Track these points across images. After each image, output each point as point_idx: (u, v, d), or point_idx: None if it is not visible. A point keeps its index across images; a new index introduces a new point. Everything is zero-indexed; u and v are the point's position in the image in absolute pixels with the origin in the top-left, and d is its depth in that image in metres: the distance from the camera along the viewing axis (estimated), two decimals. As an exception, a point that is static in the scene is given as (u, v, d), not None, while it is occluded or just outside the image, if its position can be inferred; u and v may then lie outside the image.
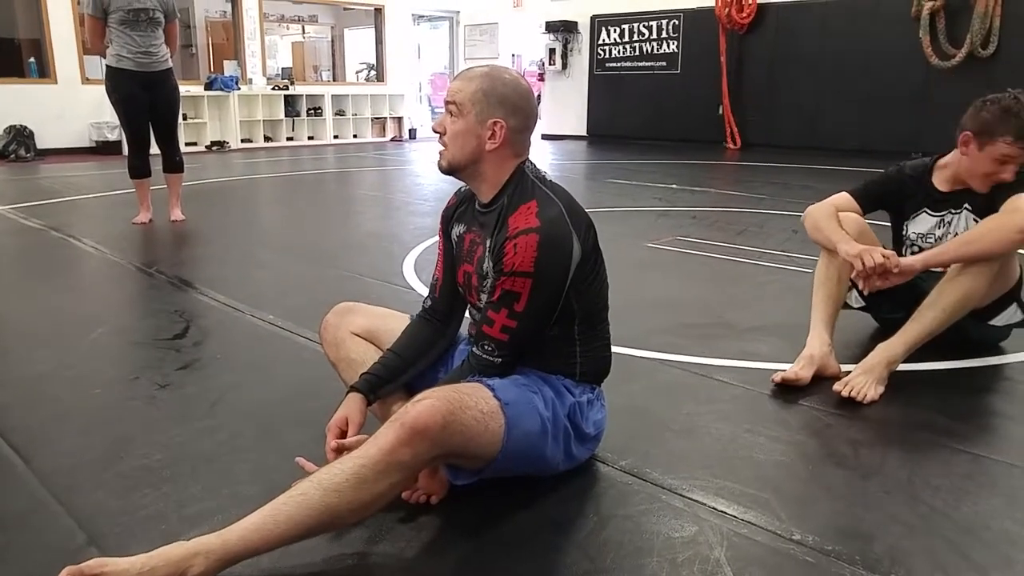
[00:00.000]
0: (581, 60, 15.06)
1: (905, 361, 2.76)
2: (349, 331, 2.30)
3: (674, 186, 8.41)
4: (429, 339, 2.23)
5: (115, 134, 11.40)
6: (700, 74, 13.19)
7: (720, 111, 12.93)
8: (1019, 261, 2.92)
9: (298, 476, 1.73)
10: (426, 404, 1.69)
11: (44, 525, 1.91)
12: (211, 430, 2.44)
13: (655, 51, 13.90)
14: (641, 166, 10.53)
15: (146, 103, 5.83)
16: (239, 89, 13.25)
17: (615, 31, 14.37)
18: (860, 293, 3.12)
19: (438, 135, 1.99)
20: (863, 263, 2.69)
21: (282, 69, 15.67)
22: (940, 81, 10.50)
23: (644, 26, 13.93)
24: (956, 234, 2.96)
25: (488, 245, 1.98)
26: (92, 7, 5.64)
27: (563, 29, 14.99)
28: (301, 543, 1.64)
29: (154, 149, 6.00)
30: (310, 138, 14.46)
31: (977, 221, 2.90)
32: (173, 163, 6.14)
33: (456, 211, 2.19)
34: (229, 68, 13.58)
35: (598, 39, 14.64)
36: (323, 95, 14.66)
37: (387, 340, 2.27)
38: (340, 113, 14.92)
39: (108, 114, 10.26)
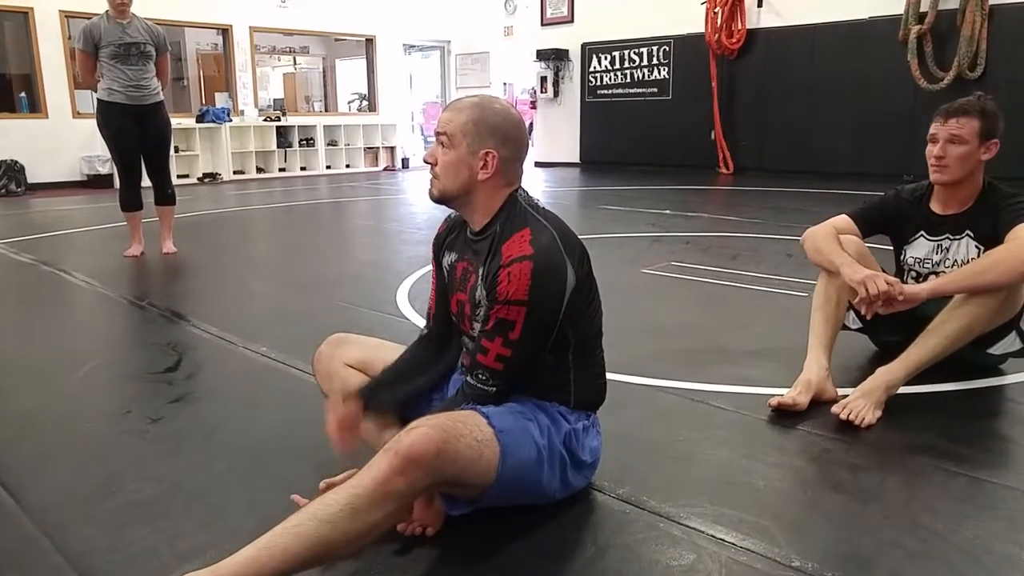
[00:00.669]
0: (573, 87, 15.16)
1: (903, 384, 2.75)
2: (342, 362, 2.29)
3: (667, 212, 8.43)
4: (428, 359, 2.24)
5: (106, 167, 11.41)
6: (691, 100, 13.29)
7: (712, 136, 13.00)
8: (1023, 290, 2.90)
9: (292, 510, 1.71)
10: (420, 432, 1.68)
11: (34, 563, 1.88)
12: (204, 464, 2.41)
13: (646, 77, 13.99)
14: (634, 192, 10.56)
15: (137, 136, 5.84)
16: (231, 121, 13.29)
17: (606, 58, 14.47)
18: (858, 315, 3.12)
19: (430, 165, 1.99)
20: (867, 290, 2.68)
21: (274, 100, 15.80)
22: (929, 104, 10.47)
23: (635, 53, 14.04)
24: (956, 261, 2.97)
25: (481, 273, 1.97)
26: (83, 42, 5.67)
27: (554, 57, 15.09)
28: (296, 576, 1.62)
29: (146, 182, 6.00)
30: (303, 169, 14.48)
31: (980, 248, 2.90)
32: (165, 196, 6.13)
33: (447, 238, 2.19)
34: (221, 100, 13.65)
35: (589, 66, 14.74)
36: (315, 126, 14.70)
37: (380, 369, 2.26)
38: (332, 143, 14.96)
39: (99, 147, 10.27)
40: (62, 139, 11.74)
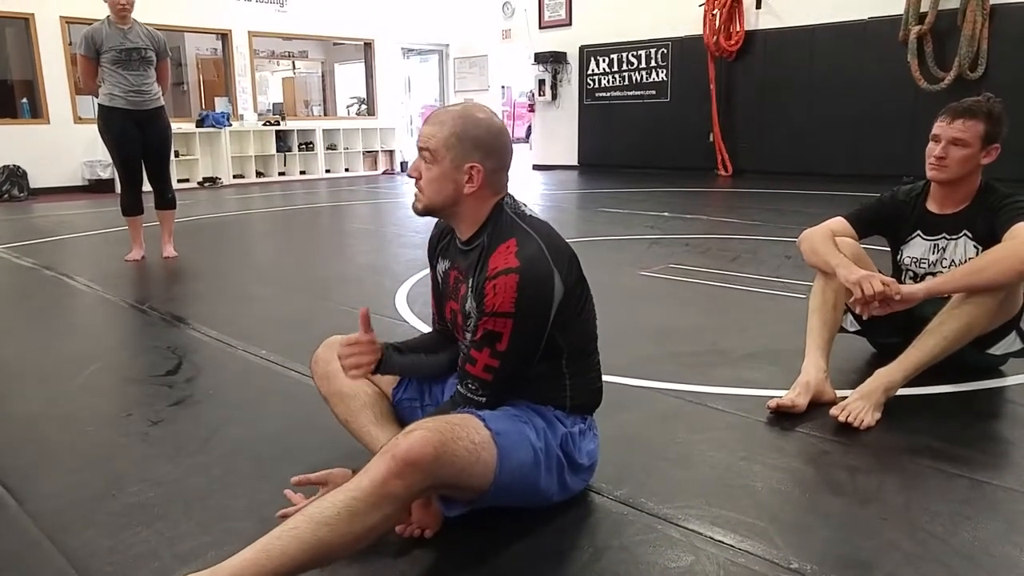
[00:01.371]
0: (571, 90, 15.17)
1: (902, 386, 2.75)
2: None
3: (666, 214, 8.44)
4: (440, 342, 2.28)
5: (108, 172, 11.44)
6: (690, 102, 13.30)
7: (711, 138, 13.01)
8: (1022, 290, 2.90)
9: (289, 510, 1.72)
10: (417, 435, 1.69)
11: (37, 565, 1.89)
12: (204, 466, 2.42)
13: (644, 80, 14.00)
14: (633, 195, 10.57)
15: (139, 141, 5.86)
16: (230, 125, 13.31)
17: (604, 61, 14.48)
18: (856, 317, 3.12)
19: (414, 179, 1.99)
20: (863, 290, 2.68)
21: (273, 105, 15.80)
22: (929, 105, 10.48)
23: (633, 55, 14.05)
24: (952, 261, 2.97)
25: (470, 284, 1.98)
26: (84, 47, 5.69)
27: (552, 60, 15.10)
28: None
29: (146, 186, 6.01)
30: (302, 173, 14.50)
31: (978, 248, 2.90)
32: (165, 200, 6.15)
33: (439, 244, 2.21)
34: (220, 105, 13.68)
35: (587, 69, 14.76)
36: (314, 130, 14.71)
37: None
38: (331, 147, 14.98)
39: (100, 152, 10.28)
40: (64, 144, 11.77)
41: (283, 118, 14.45)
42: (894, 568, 1.81)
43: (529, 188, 11.85)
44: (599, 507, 2.13)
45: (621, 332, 3.61)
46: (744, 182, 11.94)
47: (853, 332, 3.26)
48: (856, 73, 11.42)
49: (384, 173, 15.53)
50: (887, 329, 3.11)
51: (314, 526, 1.59)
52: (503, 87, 18.46)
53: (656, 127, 13.77)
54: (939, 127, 2.90)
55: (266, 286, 5.27)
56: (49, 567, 1.87)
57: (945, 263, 3.00)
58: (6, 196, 11.09)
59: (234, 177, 13.42)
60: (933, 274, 3.00)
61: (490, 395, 1.95)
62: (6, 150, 11.24)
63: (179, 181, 11.61)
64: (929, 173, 2.95)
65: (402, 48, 16.41)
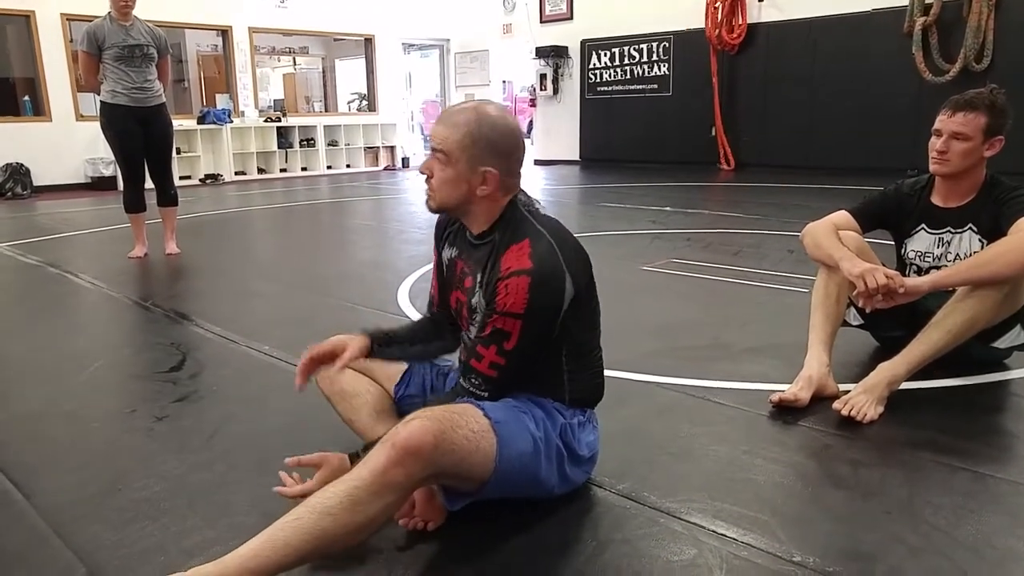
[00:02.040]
0: (572, 85, 15.15)
1: (905, 379, 2.74)
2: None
3: (668, 208, 8.43)
4: (433, 330, 2.30)
5: (110, 169, 11.45)
6: (692, 95, 13.28)
7: (713, 132, 12.99)
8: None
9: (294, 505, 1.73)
10: (417, 424, 1.70)
11: (44, 559, 1.90)
12: (208, 462, 2.43)
13: (646, 74, 13.98)
14: (634, 189, 10.57)
15: (141, 138, 5.86)
16: (232, 122, 13.32)
17: (606, 55, 14.46)
18: (859, 311, 3.12)
19: (425, 176, 1.98)
20: (866, 283, 2.67)
21: (274, 101, 15.80)
22: (934, 97, 10.41)
23: (635, 49, 14.03)
24: (957, 254, 2.96)
25: (479, 280, 1.99)
26: (87, 44, 5.69)
27: (553, 54, 15.09)
28: (300, 568, 1.65)
29: (149, 183, 6.03)
30: (303, 169, 14.50)
31: (983, 241, 2.90)
32: (168, 197, 6.16)
33: (447, 229, 2.21)
34: (221, 101, 13.67)
35: (589, 63, 14.73)
36: (315, 126, 14.72)
37: (380, 372, 2.31)
38: (333, 143, 14.98)
39: (103, 150, 10.28)
40: (66, 142, 11.78)
41: (284, 114, 14.45)
42: (897, 561, 1.82)
43: (531, 184, 11.82)
44: (601, 501, 2.13)
45: (623, 327, 3.62)
46: (746, 176, 11.92)
47: (856, 326, 3.26)
48: (860, 66, 11.35)
49: (385, 169, 15.53)
50: (890, 323, 3.10)
51: (317, 516, 1.60)
52: (504, 82, 18.45)
53: (658, 121, 13.76)
54: (940, 121, 2.90)
55: (268, 283, 5.28)
56: (58, 561, 1.88)
57: (950, 257, 2.99)
58: (9, 194, 11.10)
59: (236, 174, 13.43)
60: (938, 268, 2.99)
61: (493, 391, 1.95)
62: (9, 148, 11.26)
63: (181, 178, 11.63)
64: (932, 167, 2.95)
65: (403, 43, 16.38)
